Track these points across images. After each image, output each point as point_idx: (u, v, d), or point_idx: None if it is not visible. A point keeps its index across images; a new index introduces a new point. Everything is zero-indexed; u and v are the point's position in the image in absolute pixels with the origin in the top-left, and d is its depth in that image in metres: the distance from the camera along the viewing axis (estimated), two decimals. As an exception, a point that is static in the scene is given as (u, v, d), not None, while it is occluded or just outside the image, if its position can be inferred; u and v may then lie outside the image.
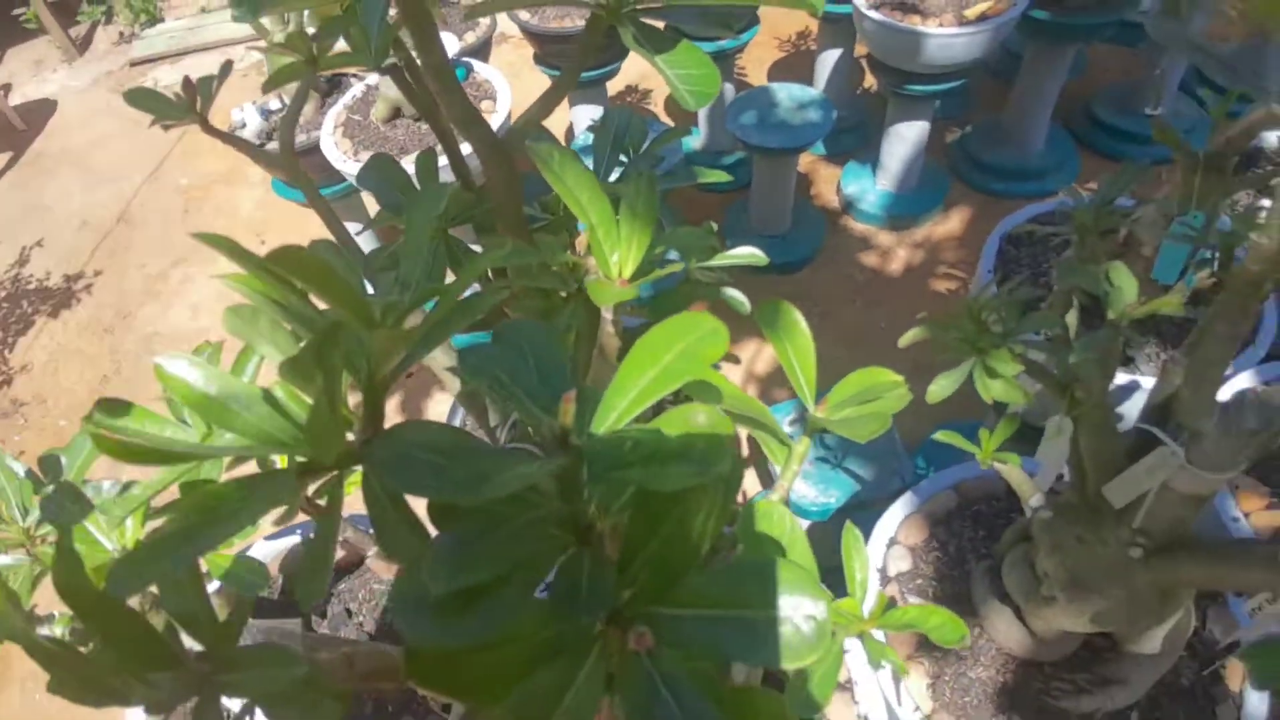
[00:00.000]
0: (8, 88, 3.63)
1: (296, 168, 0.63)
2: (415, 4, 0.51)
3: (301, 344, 0.28)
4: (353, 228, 1.99)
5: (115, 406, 0.33)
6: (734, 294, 0.68)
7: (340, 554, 1.06)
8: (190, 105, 0.57)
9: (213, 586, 0.73)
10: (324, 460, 0.28)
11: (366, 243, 2.12)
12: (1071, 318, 0.64)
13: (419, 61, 0.54)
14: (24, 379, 2.30)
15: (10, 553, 0.59)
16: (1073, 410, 0.60)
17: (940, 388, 0.56)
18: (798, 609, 0.27)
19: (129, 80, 3.63)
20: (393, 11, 0.59)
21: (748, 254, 0.65)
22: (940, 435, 0.70)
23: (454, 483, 0.27)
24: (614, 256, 0.40)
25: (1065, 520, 0.69)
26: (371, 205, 2.08)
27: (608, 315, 0.52)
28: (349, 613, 1.00)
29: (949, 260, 2.26)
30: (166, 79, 3.57)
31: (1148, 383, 1.10)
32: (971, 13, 1.83)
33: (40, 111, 3.46)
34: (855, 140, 2.52)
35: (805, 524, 1.45)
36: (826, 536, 1.37)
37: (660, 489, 0.27)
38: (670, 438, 0.29)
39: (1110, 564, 0.67)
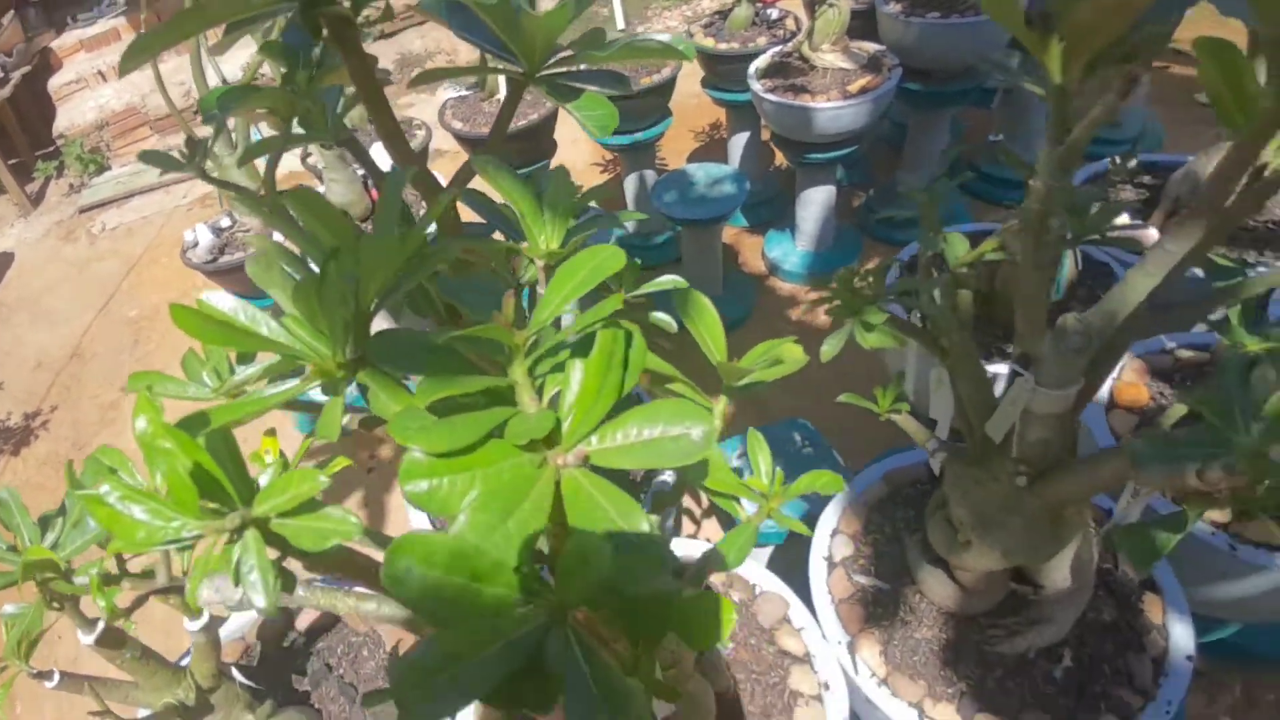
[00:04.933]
0: (-36, 246, 3.69)
1: (274, 190, 0.71)
2: (368, 79, 0.63)
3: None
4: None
5: (145, 375, 0.42)
6: (661, 316, 0.79)
7: (315, 615, 1.09)
8: (192, 159, 0.67)
9: (195, 625, 0.77)
10: (329, 362, 0.37)
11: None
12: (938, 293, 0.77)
13: (373, 126, 0.66)
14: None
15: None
16: (945, 361, 0.72)
17: (830, 347, 0.67)
18: (691, 429, 0.37)
19: (78, 226, 3.73)
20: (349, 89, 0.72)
21: (670, 280, 0.77)
22: (844, 397, 0.81)
23: (436, 364, 0.36)
24: (541, 236, 0.51)
25: (963, 465, 0.79)
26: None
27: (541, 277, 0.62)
28: (329, 667, 1.03)
29: (871, 307, 2.44)
30: (114, 221, 3.68)
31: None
32: (853, 88, 2.09)
33: (-1, 265, 3.53)
34: (772, 211, 2.76)
35: (768, 549, 1.52)
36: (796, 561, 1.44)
37: (585, 356, 0.38)
38: (589, 333, 0.40)
39: (1005, 497, 0.77)
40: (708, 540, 1.23)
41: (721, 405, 0.64)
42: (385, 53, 4.36)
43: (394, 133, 0.61)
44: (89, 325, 3.05)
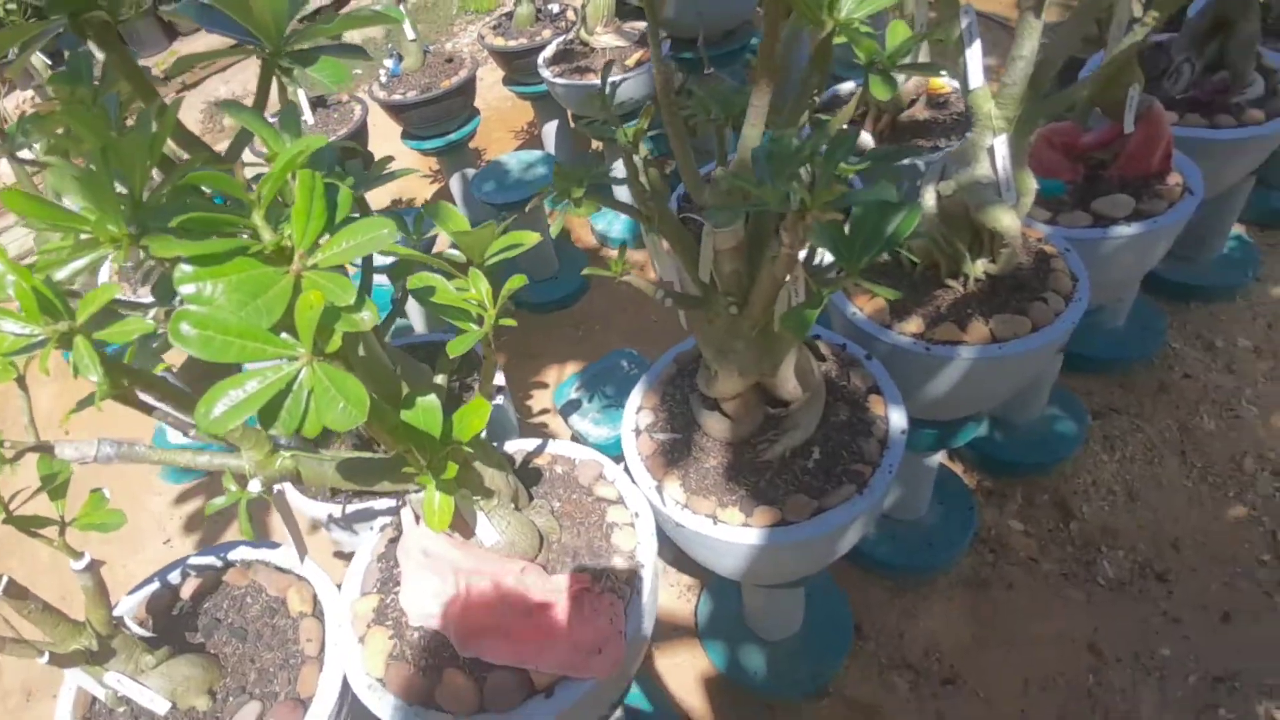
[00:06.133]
0: None
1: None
2: (132, 69, 0.77)
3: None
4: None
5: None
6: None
7: (198, 582, 1.19)
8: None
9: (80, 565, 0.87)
10: (118, 234, 0.53)
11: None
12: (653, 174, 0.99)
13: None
14: None
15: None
16: (652, 226, 0.94)
17: (555, 225, 0.86)
18: (382, 230, 0.55)
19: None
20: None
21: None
22: (586, 271, 1.02)
23: (200, 221, 0.53)
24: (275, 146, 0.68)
25: (692, 309, 1.02)
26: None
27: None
28: (217, 620, 1.14)
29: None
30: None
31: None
32: (630, 62, 2.34)
33: None
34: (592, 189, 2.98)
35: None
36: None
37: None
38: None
39: (727, 327, 1.00)
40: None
41: (475, 278, 0.83)
42: (192, 103, 4.29)
43: (149, 93, 0.76)
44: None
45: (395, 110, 2.57)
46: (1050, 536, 1.83)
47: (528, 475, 1.15)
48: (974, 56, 1.07)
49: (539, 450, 1.21)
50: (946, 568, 1.76)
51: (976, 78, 1.08)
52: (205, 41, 4.64)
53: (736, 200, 0.87)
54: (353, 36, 4.99)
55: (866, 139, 1.69)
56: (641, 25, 2.51)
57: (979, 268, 1.25)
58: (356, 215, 0.60)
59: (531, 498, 1.06)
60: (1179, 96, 1.60)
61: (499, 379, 1.43)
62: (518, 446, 1.22)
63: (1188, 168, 1.43)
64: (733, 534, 1.06)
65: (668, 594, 1.86)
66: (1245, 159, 1.57)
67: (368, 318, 0.53)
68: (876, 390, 1.21)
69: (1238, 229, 2.26)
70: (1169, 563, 1.75)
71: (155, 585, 1.19)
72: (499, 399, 1.37)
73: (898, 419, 1.17)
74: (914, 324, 1.25)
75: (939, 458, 1.63)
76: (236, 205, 0.55)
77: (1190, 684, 1.58)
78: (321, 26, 0.84)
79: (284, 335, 0.54)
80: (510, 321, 0.80)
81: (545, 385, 2.45)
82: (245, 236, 0.55)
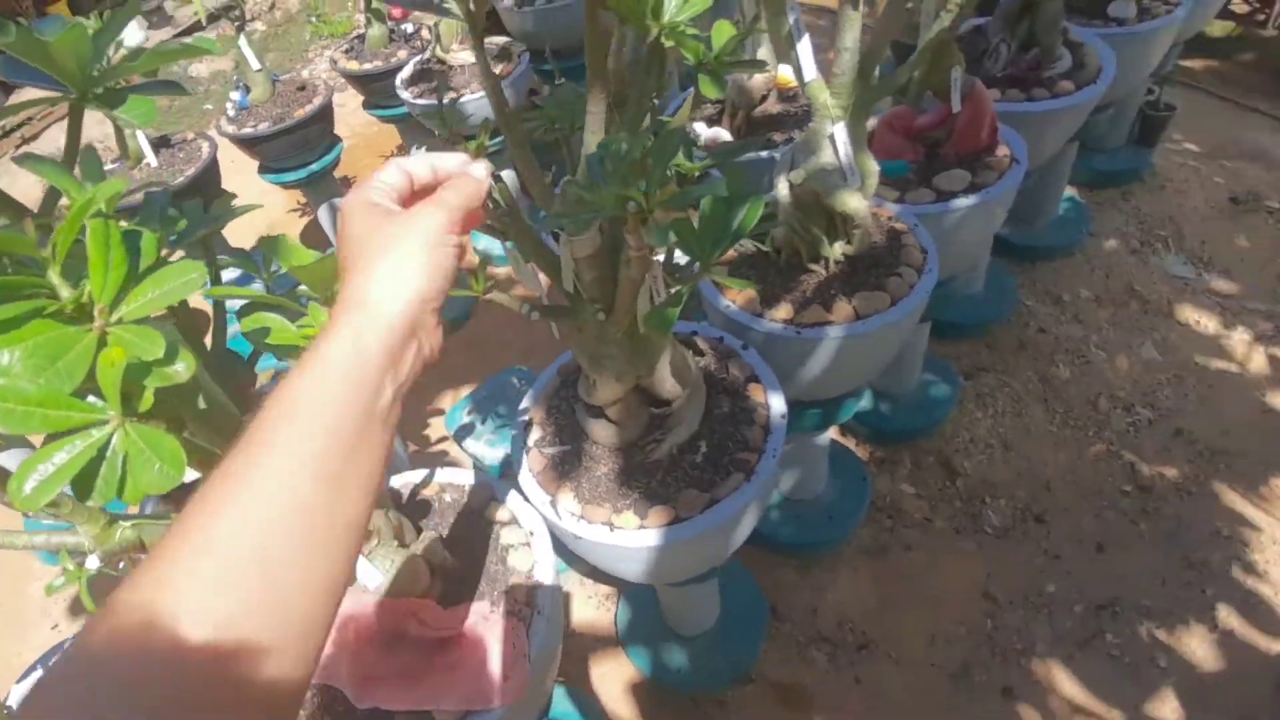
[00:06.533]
0: None
1: None
2: None
3: None
4: None
5: None
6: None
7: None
8: None
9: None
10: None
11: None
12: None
13: None
14: None
15: None
16: (511, 241, 0.93)
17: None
18: (189, 277, 0.52)
19: None
20: None
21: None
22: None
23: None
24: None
25: (562, 321, 1.02)
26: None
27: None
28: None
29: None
30: None
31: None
32: (490, 78, 2.31)
33: None
34: (470, 207, 2.94)
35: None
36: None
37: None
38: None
39: (598, 334, 1.01)
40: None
41: (315, 312, 0.79)
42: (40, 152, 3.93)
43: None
44: None
45: (247, 144, 2.45)
46: (939, 495, 1.94)
47: (416, 508, 1.11)
48: (804, 50, 1.11)
49: (426, 481, 1.17)
50: (848, 539, 1.83)
51: (810, 70, 1.13)
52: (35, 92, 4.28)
53: (582, 208, 0.87)
54: (200, 70, 4.72)
55: (725, 135, 1.74)
56: (500, 40, 2.49)
57: (837, 250, 1.31)
58: (168, 260, 0.57)
59: (420, 531, 1.03)
60: (999, 74, 1.74)
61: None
62: (404, 480, 1.18)
63: (1013, 139, 1.55)
64: (630, 538, 1.07)
65: (587, 605, 1.85)
66: (1061, 127, 1.71)
67: (182, 369, 0.50)
68: (755, 379, 1.25)
69: (1070, 191, 2.47)
70: (1045, 504, 1.89)
71: (39, 672, 1.09)
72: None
73: (777, 404, 1.20)
74: (784, 310, 1.30)
75: (828, 436, 1.69)
76: (35, 264, 0.50)
77: (1077, 614, 1.71)
78: (128, 65, 0.79)
79: (92, 399, 0.51)
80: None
81: (442, 411, 2.39)
82: (47, 296, 0.51)
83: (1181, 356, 2.13)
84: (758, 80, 1.73)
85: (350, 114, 3.86)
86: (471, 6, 0.84)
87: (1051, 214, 2.37)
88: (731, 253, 1.40)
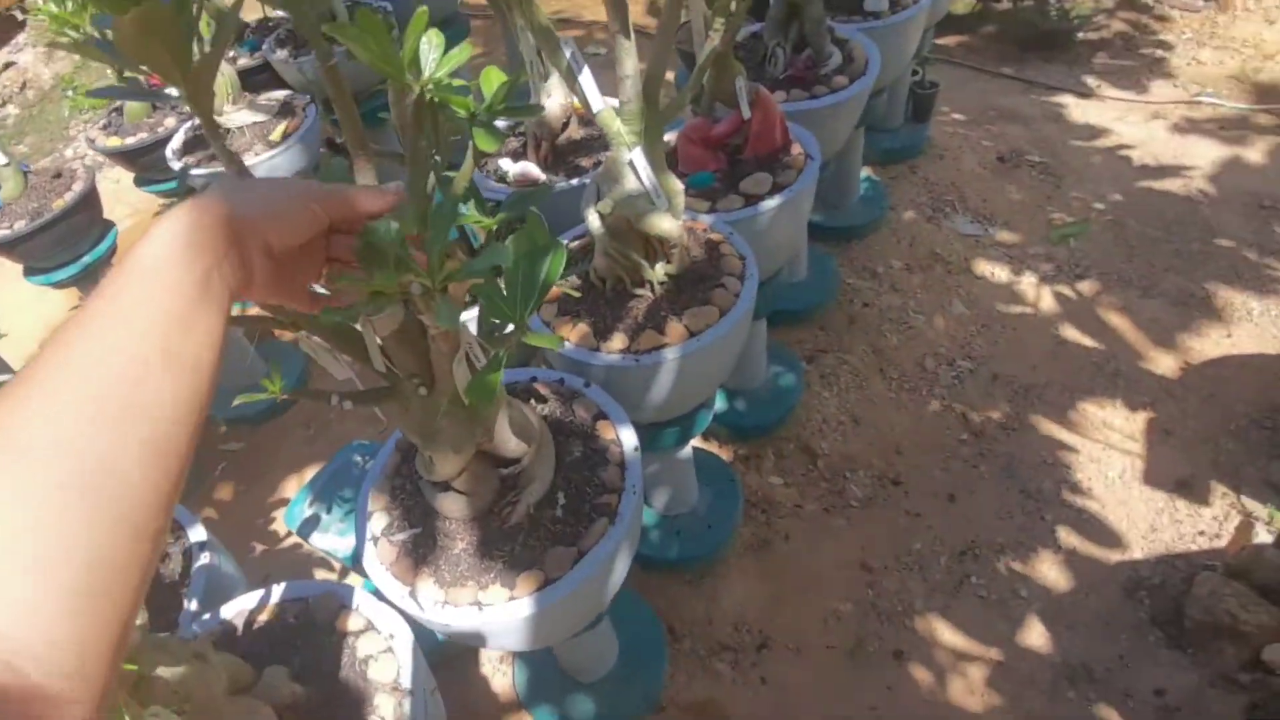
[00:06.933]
0: None
1: None
2: None
3: None
4: None
5: None
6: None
7: None
8: None
9: None
10: None
11: None
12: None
13: None
14: None
15: None
16: (300, 328, 0.84)
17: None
18: None
19: None
20: None
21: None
22: (240, 399, 0.90)
23: None
24: None
25: (384, 403, 0.94)
26: None
27: None
28: None
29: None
30: None
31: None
32: (275, 136, 2.15)
33: None
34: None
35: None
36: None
37: None
38: None
39: (424, 409, 0.94)
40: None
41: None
42: None
43: None
44: None
45: (5, 249, 2.13)
46: (805, 480, 2.01)
47: (255, 638, 0.99)
48: (587, 82, 1.10)
49: (264, 602, 1.05)
50: (731, 542, 1.85)
51: (596, 101, 1.12)
52: None
53: (370, 299, 0.81)
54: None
55: (534, 168, 1.71)
56: (280, 95, 2.32)
57: (659, 272, 1.31)
58: None
59: (260, 673, 0.91)
60: (781, 77, 1.82)
61: (198, 533, 1.22)
62: (238, 608, 1.05)
63: (804, 137, 1.63)
64: (502, 614, 1.00)
65: (484, 670, 1.76)
66: (845, 118, 1.82)
67: None
68: (603, 415, 1.22)
69: (866, 171, 2.65)
70: (898, 468, 2.00)
71: None
72: (204, 557, 1.18)
73: (629, 439, 1.18)
74: (619, 340, 1.28)
75: (689, 449, 1.70)
76: None
77: (943, 565, 1.82)
78: None
79: None
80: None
81: (288, 501, 2.19)
82: None
83: (985, 307, 2.34)
84: (556, 109, 1.71)
85: (127, 190, 3.49)
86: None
87: (854, 195, 2.53)
88: (555, 290, 1.36)
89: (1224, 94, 3.05)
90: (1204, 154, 2.77)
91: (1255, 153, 2.76)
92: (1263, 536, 1.74)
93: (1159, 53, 3.34)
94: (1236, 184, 2.64)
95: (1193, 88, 3.10)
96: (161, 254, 0.41)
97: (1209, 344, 2.16)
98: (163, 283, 0.40)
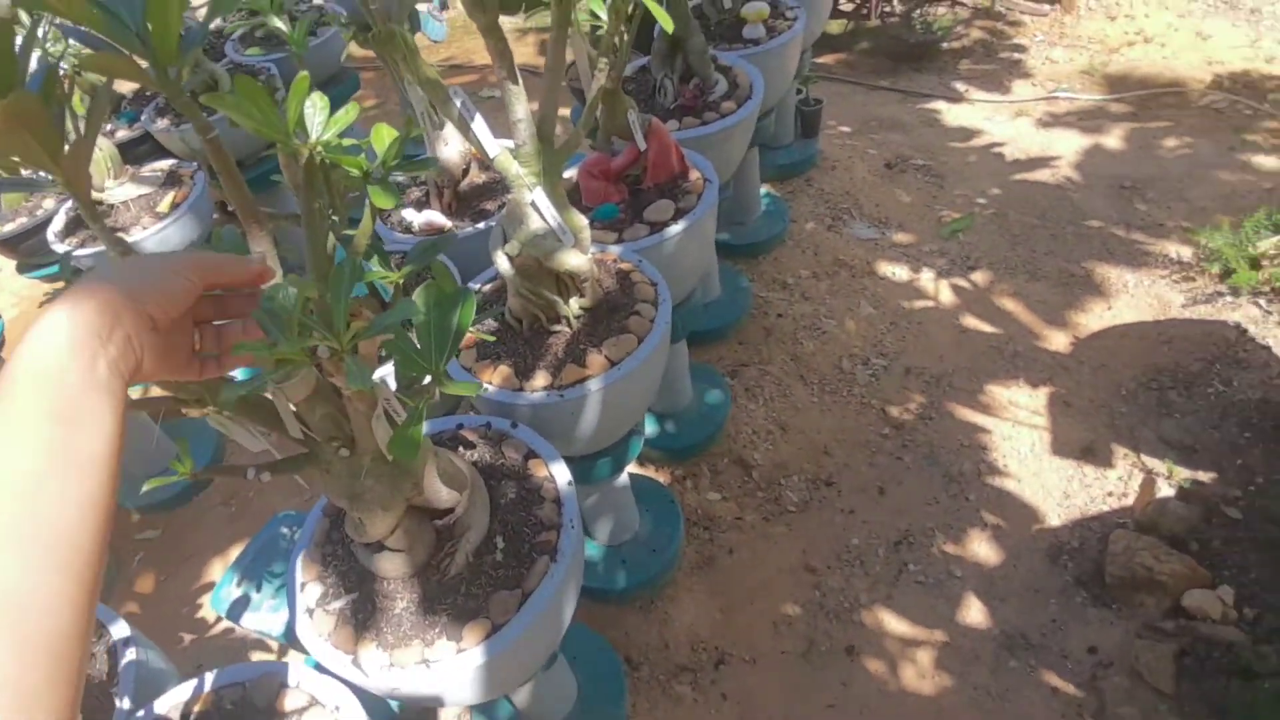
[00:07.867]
0: None
1: None
2: None
3: None
4: None
5: None
6: None
7: None
8: None
9: None
10: None
11: None
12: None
13: None
14: None
15: None
16: (206, 404, 0.82)
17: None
18: None
19: None
20: None
21: None
22: (148, 485, 0.87)
23: None
24: None
25: (308, 469, 0.92)
26: None
27: None
28: None
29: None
30: None
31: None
32: (163, 207, 2.08)
33: None
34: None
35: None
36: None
37: None
38: None
39: (348, 471, 0.92)
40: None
41: None
42: None
43: None
44: None
45: None
46: (742, 492, 2.05)
47: (190, 733, 0.94)
48: (480, 129, 1.12)
49: (198, 693, 1.00)
50: (676, 562, 1.87)
51: (492, 148, 1.14)
52: None
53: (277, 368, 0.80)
54: None
55: (439, 217, 1.70)
56: (164, 164, 2.25)
57: (574, 306, 1.33)
58: None
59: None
60: (672, 107, 1.89)
61: (120, 629, 1.15)
62: (173, 700, 1.00)
63: (700, 162, 1.69)
64: (451, 668, 0.99)
65: (441, 731, 1.70)
66: (737, 141, 1.90)
67: None
68: (534, 454, 1.22)
69: (765, 188, 2.76)
70: (829, 468, 2.07)
71: None
72: (130, 653, 1.11)
73: (561, 474, 1.18)
74: (542, 378, 1.29)
75: (626, 476, 1.71)
76: None
77: (881, 556, 1.88)
78: None
79: None
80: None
81: (213, 585, 2.08)
82: None
83: (891, 306, 2.46)
84: (454, 156, 1.72)
85: (10, 279, 3.29)
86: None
87: (757, 211, 2.62)
88: (470, 337, 1.37)
89: (1078, 88, 3.33)
90: (1067, 144, 3.01)
91: (1112, 139, 3.01)
92: (1165, 490, 1.88)
93: (1016, 55, 3.61)
94: (1098, 169, 2.87)
95: (1049, 85, 3.37)
96: (43, 352, 0.40)
97: (1093, 318, 2.34)
98: (48, 383, 0.39)
